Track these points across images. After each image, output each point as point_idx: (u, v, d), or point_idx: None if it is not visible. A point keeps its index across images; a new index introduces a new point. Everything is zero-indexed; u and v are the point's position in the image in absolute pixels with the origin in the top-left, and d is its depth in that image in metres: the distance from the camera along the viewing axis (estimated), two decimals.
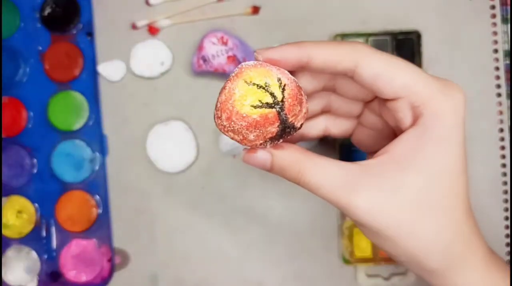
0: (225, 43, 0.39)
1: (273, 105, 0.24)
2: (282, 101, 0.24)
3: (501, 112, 0.40)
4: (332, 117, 0.31)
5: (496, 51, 0.40)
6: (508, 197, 0.39)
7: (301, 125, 0.25)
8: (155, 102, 0.41)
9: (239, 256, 0.40)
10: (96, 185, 0.40)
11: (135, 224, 0.41)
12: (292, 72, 0.25)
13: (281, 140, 0.25)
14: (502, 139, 0.40)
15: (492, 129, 0.40)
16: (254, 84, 0.23)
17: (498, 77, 0.40)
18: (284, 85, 0.24)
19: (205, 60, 0.39)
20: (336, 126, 0.31)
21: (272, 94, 0.24)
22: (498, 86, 0.40)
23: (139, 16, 0.40)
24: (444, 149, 0.24)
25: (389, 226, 0.25)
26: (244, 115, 0.23)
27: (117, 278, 0.41)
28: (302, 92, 0.25)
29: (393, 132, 0.28)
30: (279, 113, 0.24)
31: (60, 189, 0.41)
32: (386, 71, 0.25)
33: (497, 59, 0.40)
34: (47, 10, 0.40)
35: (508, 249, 0.39)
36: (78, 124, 0.40)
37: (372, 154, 0.27)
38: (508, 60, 0.40)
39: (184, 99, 0.41)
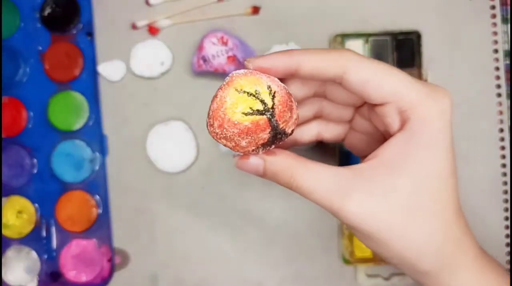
0: (225, 43, 0.39)
1: (263, 112, 0.24)
2: (272, 108, 0.24)
3: (501, 112, 0.40)
4: (324, 123, 0.32)
5: (496, 51, 0.40)
6: (508, 197, 0.39)
7: (292, 131, 0.26)
8: (155, 102, 0.41)
9: (239, 256, 0.40)
10: (96, 185, 0.40)
11: (135, 224, 0.41)
12: (282, 80, 0.26)
13: (273, 146, 0.26)
14: (502, 139, 0.40)
15: (492, 129, 0.40)
16: (244, 92, 0.24)
17: (498, 77, 0.40)
18: (274, 92, 0.24)
19: (205, 60, 0.39)
20: (329, 131, 0.32)
21: (262, 102, 0.24)
22: (498, 86, 0.40)
23: (139, 16, 0.40)
24: (432, 153, 0.25)
25: (381, 229, 0.25)
26: (236, 122, 0.24)
27: (117, 278, 0.41)
28: (292, 99, 0.26)
29: (384, 137, 0.29)
30: (269, 120, 0.24)
31: (60, 189, 0.41)
32: (374, 77, 0.25)
33: (497, 59, 0.40)
34: (47, 10, 0.40)
35: (508, 249, 0.39)
36: (78, 124, 0.40)
37: (365, 158, 0.27)
38: (508, 60, 0.40)
39: (184, 99, 0.41)
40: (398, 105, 0.25)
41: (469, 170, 0.40)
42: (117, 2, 0.41)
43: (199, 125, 0.40)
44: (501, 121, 0.40)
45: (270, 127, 0.25)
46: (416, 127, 0.25)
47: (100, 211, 0.40)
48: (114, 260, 0.40)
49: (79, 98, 0.40)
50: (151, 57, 0.40)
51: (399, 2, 0.40)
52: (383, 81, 0.25)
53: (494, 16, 0.40)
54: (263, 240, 0.40)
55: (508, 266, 0.39)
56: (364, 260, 0.39)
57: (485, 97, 0.40)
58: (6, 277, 0.40)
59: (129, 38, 0.40)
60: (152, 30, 0.40)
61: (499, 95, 0.40)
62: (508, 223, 0.39)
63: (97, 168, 0.40)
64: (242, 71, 0.25)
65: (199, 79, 0.40)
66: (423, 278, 0.27)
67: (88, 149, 0.40)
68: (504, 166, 0.39)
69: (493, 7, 0.40)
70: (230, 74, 0.25)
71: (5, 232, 0.40)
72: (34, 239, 0.41)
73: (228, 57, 0.38)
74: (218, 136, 0.25)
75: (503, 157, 0.39)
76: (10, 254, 0.41)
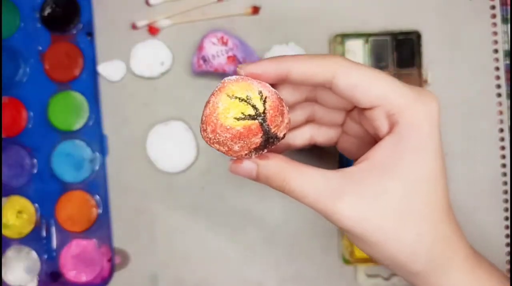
0: (225, 43, 0.39)
1: (255, 117, 0.25)
2: (264, 113, 0.25)
3: (501, 112, 0.40)
4: (317, 126, 0.32)
5: (496, 51, 0.40)
6: (508, 197, 0.39)
7: (284, 135, 0.26)
8: (155, 102, 0.41)
9: (239, 256, 0.40)
10: (96, 185, 0.40)
11: (135, 224, 0.41)
12: (273, 85, 0.27)
13: (265, 150, 0.26)
14: (502, 139, 0.40)
15: (492, 129, 0.40)
16: (236, 97, 0.25)
17: (498, 77, 0.40)
18: (265, 97, 0.25)
19: (205, 60, 0.39)
20: (321, 135, 0.32)
21: (254, 107, 0.25)
22: (498, 86, 0.40)
23: (139, 16, 0.41)
24: (421, 157, 0.25)
25: (373, 232, 0.25)
26: (228, 127, 0.24)
27: (117, 278, 0.41)
28: (284, 104, 0.26)
29: (375, 140, 0.29)
30: (261, 124, 0.25)
31: (60, 189, 0.41)
32: (362, 82, 0.26)
33: (497, 59, 0.40)
34: (47, 10, 0.40)
35: (508, 249, 0.39)
36: (78, 124, 0.40)
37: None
38: (508, 60, 0.40)
39: (184, 99, 0.41)
40: (386, 109, 0.26)
41: (469, 170, 0.40)
42: (117, 2, 0.41)
43: (199, 125, 0.40)
44: (501, 121, 0.40)
45: (262, 132, 0.25)
46: (404, 131, 0.25)
47: (100, 211, 0.40)
48: (114, 260, 0.40)
49: (79, 98, 0.40)
50: (151, 57, 0.40)
51: (399, 2, 0.40)
52: (371, 85, 0.26)
53: (494, 16, 0.40)
54: (263, 240, 0.40)
55: (509, 266, 0.39)
56: (364, 260, 0.39)
57: (485, 97, 0.40)
58: (6, 277, 0.40)
59: (129, 38, 0.40)
60: (152, 30, 0.40)
61: (499, 95, 0.40)
62: (508, 223, 0.39)
63: (97, 168, 0.40)
64: (233, 77, 0.26)
65: (199, 79, 0.40)
66: (415, 279, 0.27)
67: (88, 149, 0.40)
68: (504, 166, 0.39)
69: (493, 7, 0.40)
70: (222, 81, 0.26)
71: (5, 232, 0.40)
72: (34, 239, 0.41)
73: (228, 57, 0.38)
74: (211, 141, 0.25)
75: (503, 157, 0.39)
76: (10, 254, 0.41)
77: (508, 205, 0.39)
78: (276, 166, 0.27)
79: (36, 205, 0.41)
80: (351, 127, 0.31)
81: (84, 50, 0.40)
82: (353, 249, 0.39)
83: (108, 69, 0.40)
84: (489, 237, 0.39)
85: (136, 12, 0.41)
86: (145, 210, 0.41)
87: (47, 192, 0.41)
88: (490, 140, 0.40)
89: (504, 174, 0.39)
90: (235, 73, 0.38)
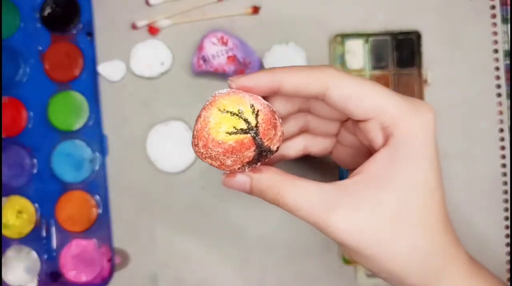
0: (225, 43, 0.39)
1: (247, 131, 0.24)
2: (256, 126, 0.25)
3: (501, 112, 0.40)
4: (311, 137, 0.32)
5: (496, 51, 0.40)
6: (508, 197, 0.39)
7: (277, 148, 0.26)
8: (155, 102, 0.41)
9: (239, 256, 0.40)
10: (96, 185, 0.40)
11: (135, 224, 0.41)
12: (266, 98, 0.26)
13: (259, 163, 0.26)
14: (502, 139, 0.40)
15: (492, 129, 0.40)
16: (227, 111, 0.24)
17: (498, 77, 0.40)
18: (257, 111, 0.25)
19: (205, 60, 0.39)
20: (315, 145, 0.32)
21: (246, 120, 0.24)
22: (498, 86, 0.40)
23: (139, 16, 0.40)
24: (416, 169, 0.25)
25: (368, 244, 0.25)
26: (220, 142, 0.24)
27: (117, 278, 0.41)
28: (276, 116, 0.26)
29: (370, 151, 0.29)
30: (254, 138, 0.25)
31: (60, 189, 0.41)
32: (355, 93, 0.25)
33: (497, 59, 0.40)
34: (47, 10, 0.40)
35: (508, 249, 0.39)
36: (78, 124, 0.40)
37: (353, 171, 0.27)
38: (508, 60, 0.40)
39: (184, 99, 0.41)
40: (380, 121, 0.25)
41: (469, 170, 0.40)
42: (117, 2, 0.41)
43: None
44: (501, 121, 0.40)
45: (255, 146, 0.25)
46: (399, 143, 0.25)
47: (100, 211, 0.40)
48: (114, 260, 0.40)
49: (79, 98, 0.40)
50: (151, 57, 0.40)
51: (399, 2, 0.40)
52: (365, 97, 0.25)
53: (494, 16, 0.40)
54: (262, 240, 0.40)
55: (509, 266, 0.39)
56: None
57: (485, 97, 0.40)
58: (6, 277, 0.40)
59: (129, 38, 0.40)
60: (152, 30, 0.40)
61: (499, 95, 0.40)
62: (508, 223, 0.39)
63: (97, 168, 0.40)
64: (225, 90, 0.25)
65: (199, 79, 0.40)
66: None
67: (88, 149, 0.40)
68: (504, 166, 0.39)
69: (493, 7, 0.40)
70: (213, 94, 0.25)
71: (5, 232, 0.40)
72: (34, 239, 0.41)
73: (228, 57, 0.38)
74: (203, 156, 0.25)
75: (503, 157, 0.39)
76: (10, 254, 0.41)
77: (508, 205, 0.39)
78: (269, 179, 0.27)
79: (36, 205, 0.41)
80: (346, 137, 0.31)
81: (84, 50, 0.40)
82: None
83: (108, 69, 0.40)
84: (489, 237, 0.39)
85: (136, 12, 0.41)
86: (145, 210, 0.41)
87: (47, 192, 0.41)
88: (490, 140, 0.40)
89: (504, 174, 0.39)
90: (235, 73, 0.39)
